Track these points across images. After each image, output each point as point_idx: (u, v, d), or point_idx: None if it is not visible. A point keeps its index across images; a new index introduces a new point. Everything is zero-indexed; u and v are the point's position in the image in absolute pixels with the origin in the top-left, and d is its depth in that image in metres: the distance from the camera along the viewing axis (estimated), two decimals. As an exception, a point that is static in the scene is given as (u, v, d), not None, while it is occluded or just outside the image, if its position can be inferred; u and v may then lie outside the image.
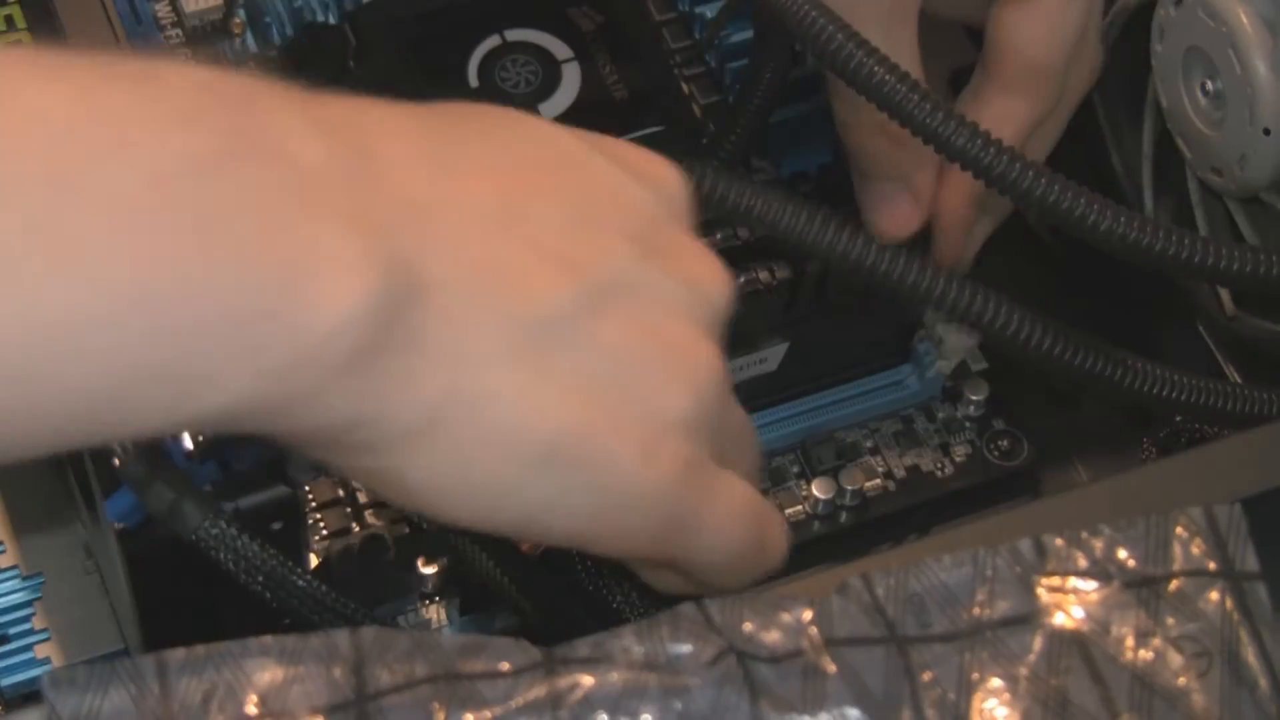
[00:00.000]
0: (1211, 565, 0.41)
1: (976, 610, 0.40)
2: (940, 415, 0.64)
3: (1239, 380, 0.63)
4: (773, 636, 0.40)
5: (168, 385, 0.36)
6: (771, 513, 0.48)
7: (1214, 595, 0.41)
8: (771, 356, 0.61)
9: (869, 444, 0.64)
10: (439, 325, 0.39)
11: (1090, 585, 0.41)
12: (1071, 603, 0.41)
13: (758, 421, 0.63)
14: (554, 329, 0.41)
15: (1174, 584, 0.41)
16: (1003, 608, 0.41)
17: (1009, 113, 0.57)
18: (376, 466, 0.41)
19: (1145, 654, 0.40)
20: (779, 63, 0.58)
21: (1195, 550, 0.41)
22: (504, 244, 0.41)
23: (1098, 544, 0.42)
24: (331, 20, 0.63)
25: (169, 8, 0.67)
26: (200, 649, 0.41)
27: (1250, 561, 0.41)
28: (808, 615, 0.41)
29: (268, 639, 0.41)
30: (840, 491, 0.62)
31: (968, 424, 0.64)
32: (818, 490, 0.62)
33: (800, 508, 0.62)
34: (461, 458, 0.40)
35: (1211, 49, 0.57)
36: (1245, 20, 0.56)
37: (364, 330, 0.37)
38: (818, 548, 0.62)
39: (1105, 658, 0.40)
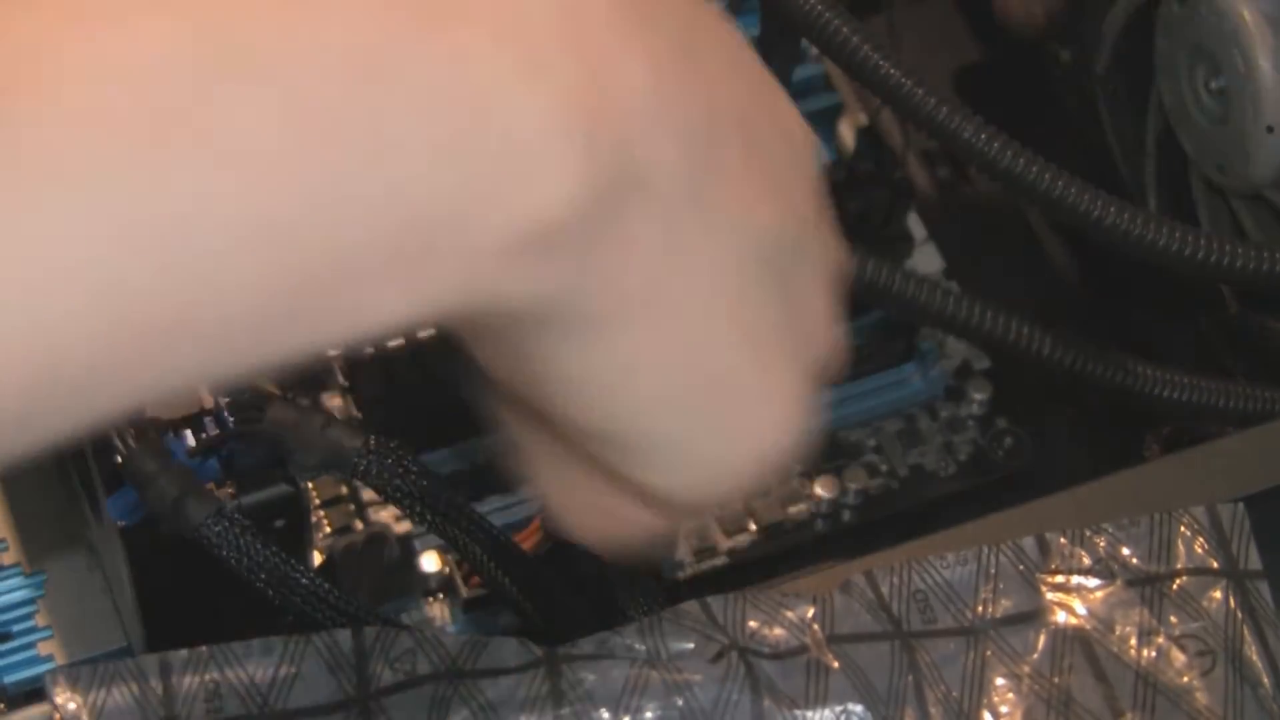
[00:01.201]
0: (1214, 564, 0.41)
1: (980, 608, 0.40)
2: (943, 414, 0.64)
3: (1243, 378, 0.63)
4: (776, 633, 0.40)
5: (371, 270, 0.33)
6: None
7: (1217, 594, 0.41)
8: None
9: (872, 443, 0.64)
10: (652, 222, 0.36)
11: (1094, 583, 0.41)
12: (1075, 601, 0.41)
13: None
14: (761, 262, 0.39)
15: (1177, 582, 0.41)
16: (1006, 605, 0.41)
17: None
18: (528, 350, 0.38)
19: (1149, 652, 0.40)
20: (784, 60, 0.58)
21: (1198, 549, 0.41)
22: (734, 159, 0.38)
23: (1101, 542, 0.42)
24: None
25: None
26: (203, 649, 0.41)
27: (1253, 560, 0.41)
28: (811, 612, 0.41)
29: (272, 639, 0.41)
30: (843, 491, 0.62)
31: (971, 423, 0.64)
32: (821, 489, 0.62)
33: (803, 507, 0.62)
34: (628, 363, 0.38)
35: (1215, 46, 0.57)
36: (1249, 18, 0.56)
37: (578, 214, 0.34)
38: (821, 547, 0.62)
39: (1109, 656, 0.40)
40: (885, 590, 0.41)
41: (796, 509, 0.62)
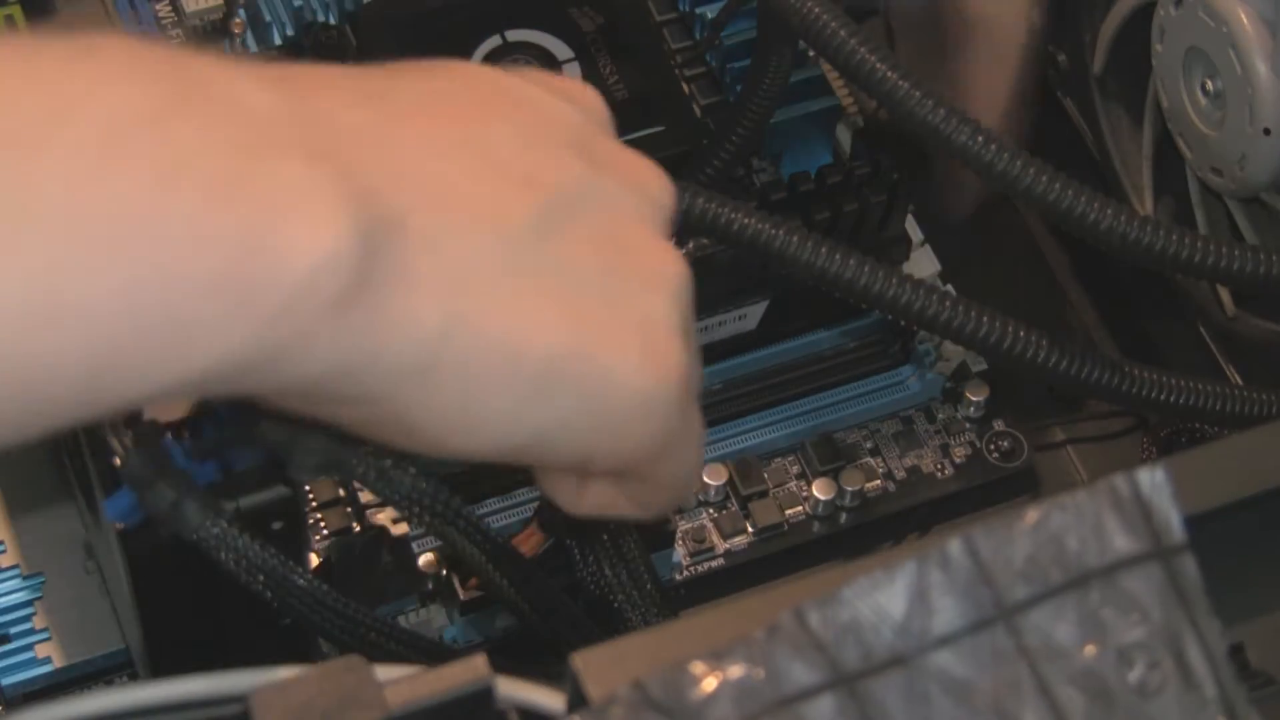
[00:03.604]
0: (1141, 544, 0.40)
1: (917, 631, 0.38)
2: (940, 416, 0.64)
3: (1239, 380, 0.63)
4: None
5: (153, 340, 0.36)
6: None
7: (1150, 583, 0.39)
8: (751, 314, 0.61)
9: (869, 445, 0.64)
10: (422, 253, 0.39)
11: (1027, 592, 0.39)
12: (1012, 614, 0.39)
13: (758, 422, 0.63)
14: (529, 245, 0.41)
15: (1113, 576, 0.39)
16: (941, 626, 0.39)
17: (995, 87, 0.56)
18: (380, 414, 0.40)
19: (1094, 664, 0.39)
20: (781, 62, 0.58)
21: (1125, 528, 0.40)
22: (463, 165, 0.41)
23: (1029, 544, 0.40)
24: (331, 20, 0.64)
25: (169, 7, 0.67)
26: None
27: (1175, 534, 0.40)
28: (741, 670, 0.37)
29: None
30: (840, 492, 0.62)
31: (968, 425, 0.64)
32: (818, 491, 0.62)
33: (800, 508, 0.62)
34: (465, 389, 0.40)
35: (1212, 49, 0.57)
36: (1245, 20, 0.56)
37: (348, 264, 0.37)
38: (818, 548, 0.62)
39: (1053, 671, 0.39)
40: (816, 625, 0.38)
41: (794, 511, 0.62)
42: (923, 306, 0.52)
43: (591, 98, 0.46)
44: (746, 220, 0.52)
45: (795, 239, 0.52)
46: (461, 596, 0.58)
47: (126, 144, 0.35)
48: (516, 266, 0.40)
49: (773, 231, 0.52)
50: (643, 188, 0.44)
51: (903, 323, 0.52)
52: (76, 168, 0.35)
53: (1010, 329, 0.52)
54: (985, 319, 0.52)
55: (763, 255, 0.52)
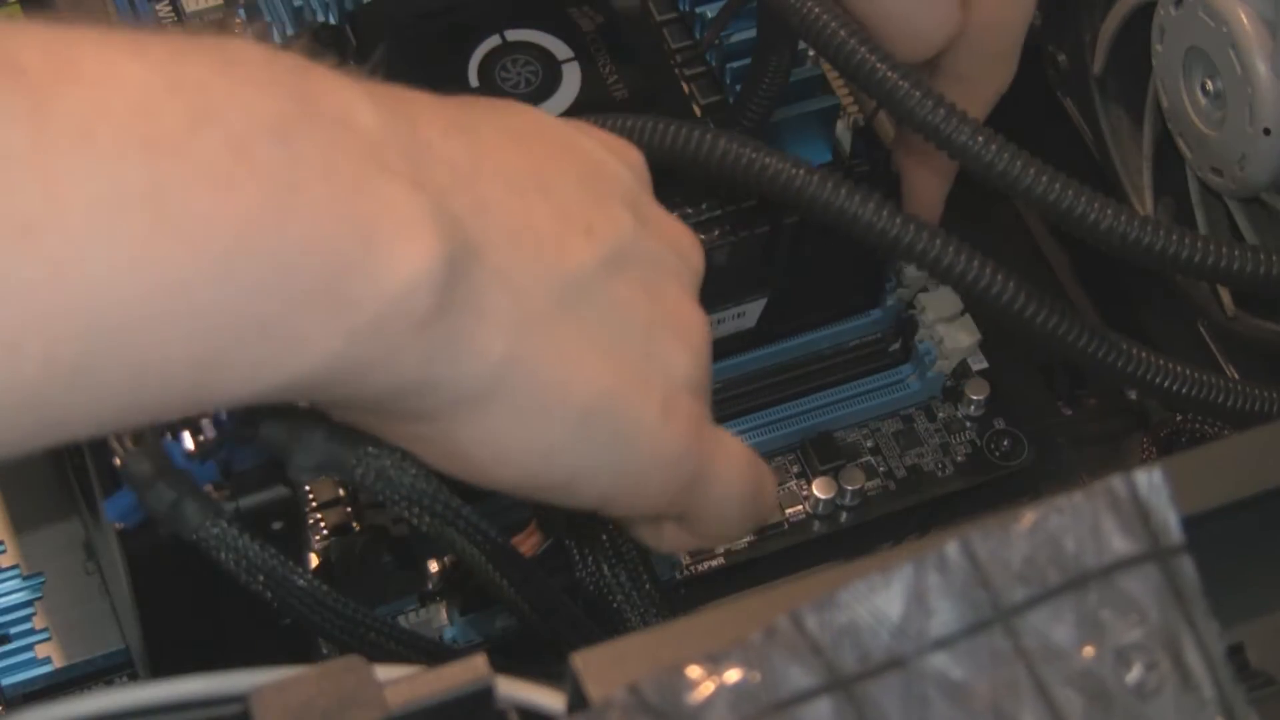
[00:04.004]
0: (1139, 545, 0.40)
1: (914, 633, 0.38)
2: (941, 415, 0.64)
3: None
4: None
5: (266, 343, 0.38)
6: (762, 462, 0.50)
7: (1148, 583, 0.39)
8: (750, 311, 0.62)
9: (869, 444, 0.64)
10: (495, 286, 0.41)
11: (1026, 593, 0.39)
12: (1010, 616, 0.39)
13: (758, 421, 0.63)
14: (583, 290, 0.43)
15: (1110, 579, 0.39)
16: (938, 628, 0.39)
17: (970, 99, 0.57)
18: (429, 433, 0.42)
19: (1092, 665, 0.39)
20: (781, 62, 0.58)
21: (1122, 529, 0.40)
22: (537, 207, 0.43)
23: (1027, 546, 0.40)
24: (332, 20, 0.64)
25: (169, 7, 0.67)
26: None
27: (1174, 535, 0.40)
28: (737, 676, 0.37)
29: None
30: (841, 491, 0.62)
31: (968, 424, 0.64)
32: (818, 490, 0.62)
33: (801, 508, 0.62)
34: (517, 421, 0.42)
35: (1212, 49, 0.58)
36: (1245, 20, 0.56)
37: (436, 285, 0.39)
38: (818, 548, 0.62)
39: (1051, 673, 0.39)
40: (813, 628, 0.37)
41: (794, 510, 0.62)
42: (937, 254, 0.51)
43: (635, 155, 0.48)
44: (768, 160, 0.52)
45: (815, 178, 0.52)
46: (461, 596, 0.58)
47: (254, 156, 0.37)
48: (571, 310, 0.43)
49: (794, 170, 0.52)
50: (680, 247, 0.47)
51: (927, 272, 0.52)
52: (209, 175, 0.36)
53: (1022, 292, 0.52)
54: (980, 263, 0.51)
55: (789, 198, 0.52)
